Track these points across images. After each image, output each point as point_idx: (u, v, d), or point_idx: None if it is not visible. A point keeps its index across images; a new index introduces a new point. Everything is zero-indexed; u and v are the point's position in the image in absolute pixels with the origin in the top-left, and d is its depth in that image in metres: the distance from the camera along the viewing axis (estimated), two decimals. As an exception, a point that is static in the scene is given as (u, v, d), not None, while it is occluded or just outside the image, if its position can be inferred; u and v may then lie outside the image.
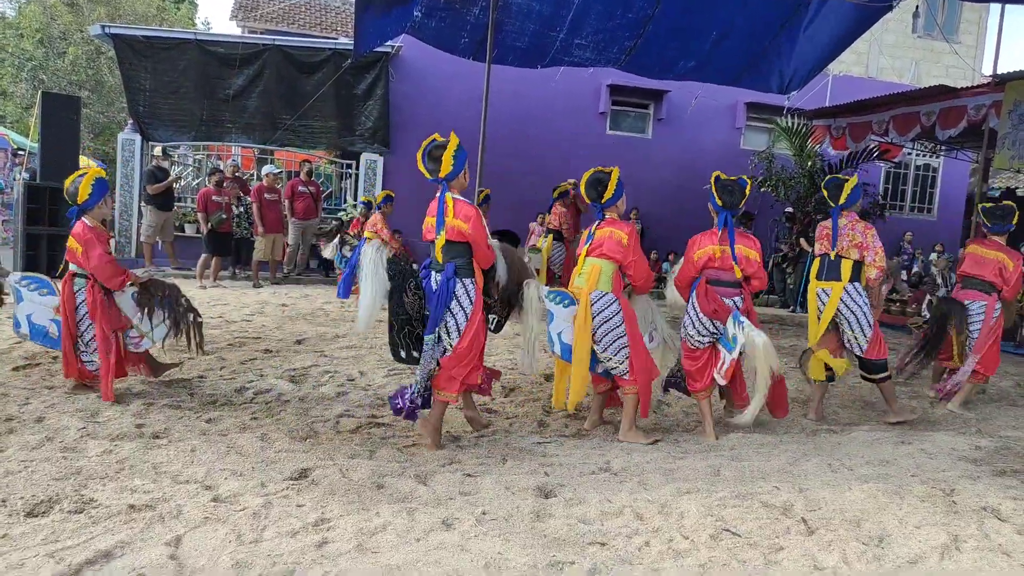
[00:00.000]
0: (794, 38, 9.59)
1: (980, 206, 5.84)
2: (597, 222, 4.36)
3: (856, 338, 4.92)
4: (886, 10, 9.04)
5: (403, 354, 3.93)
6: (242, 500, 2.97)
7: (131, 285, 4.64)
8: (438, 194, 3.91)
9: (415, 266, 4.08)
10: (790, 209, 12.64)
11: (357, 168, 13.13)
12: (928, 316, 5.65)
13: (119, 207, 12.23)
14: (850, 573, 2.58)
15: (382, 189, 12.92)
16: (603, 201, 4.30)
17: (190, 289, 9.43)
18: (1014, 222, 5.54)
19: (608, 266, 4.24)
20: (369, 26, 8.79)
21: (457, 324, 3.84)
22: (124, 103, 14.76)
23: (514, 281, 4.29)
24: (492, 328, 4.32)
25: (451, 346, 3.86)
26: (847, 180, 5.07)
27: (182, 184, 12.82)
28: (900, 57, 18.58)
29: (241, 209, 11.04)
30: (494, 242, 4.17)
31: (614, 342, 4.23)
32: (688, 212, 12.74)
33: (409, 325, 3.85)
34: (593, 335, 4.24)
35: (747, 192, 4.48)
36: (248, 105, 12.32)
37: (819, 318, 5.02)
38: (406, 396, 3.96)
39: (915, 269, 13.83)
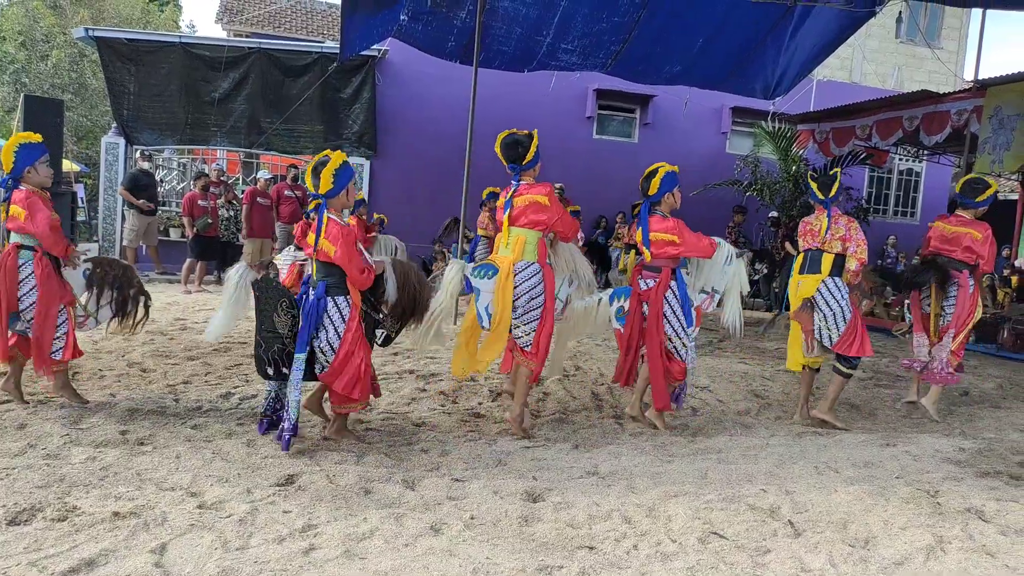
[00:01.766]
0: (779, 43, 9.66)
1: (962, 179, 5.56)
2: (513, 188, 4.32)
3: (828, 329, 4.92)
4: (870, 16, 9.13)
5: (270, 371, 3.90)
6: (228, 507, 2.94)
7: (85, 261, 4.40)
8: (314, 210, 3.89)
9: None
10: (775, 213, 12.73)
11: (343, 172, 13.09)
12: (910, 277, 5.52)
13: (103, 211, 12.14)
14: (836, 575, 2.60)
15: (364, 193, 12.91)
16: (523, 163, 4.27)
17: (175, 295, 9.39)
18: (983, 199, 5.29)
19: (533, 235, 4.24)
20: (355, 30, 8.78)
21: (330, 343, 3.82)
22: (108, 106, 14.65)
23: (409, 297, 4.19)
24: (379, 343, 4.25)
25: (327, 363, 3.84)
26: (837, 174, 5.15)
27: (166, 188, 12.75)
28: (883, 62, 18.78)
29: (231, 213, 10.98)
30: (384, 259, 4.14)
31: (529, 312, 4.24)
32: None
33: (280, 343, 3.85)
34: (513, 304, 4.23)
35: (658, 177, 4.57)
36: (233, 109, 12.26)
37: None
38: (287, 423, 3.80)
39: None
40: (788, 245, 11.36)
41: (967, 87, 10.36)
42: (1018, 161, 9.21)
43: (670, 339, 4.60)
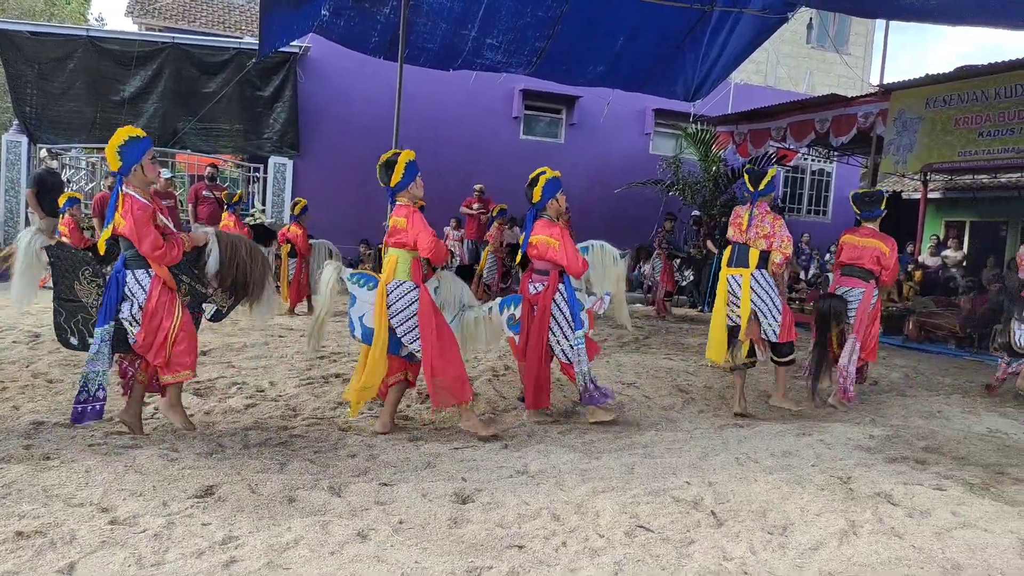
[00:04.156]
0: (698, 46, 9.95)
1: (852, 193, 5.98)
2: (391, 209, 4.36)
3: (770, 324, 5.14)
4: (782, 22, 9.50)
5: (74, 340, 3.87)
6: (142, 521, 2.81)
7: None
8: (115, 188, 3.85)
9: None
10: (697, 212, 13.08)
11: (265, 172, 12.76)
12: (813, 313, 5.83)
13: (4, 213, 11.47)
14: (756, 562, 2.68)
15: (287, 193, 12.61)
16: (392, 185, 4.26)
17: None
18: (883, 207, 5.68)
19: (404, 254, 4.27)
20: (275, 25, 8.57)
21: (133, 316, 3.82)
22: (8, 103, 13.85)
23: (239, 271, 4.17)
24: (209, 317, 4.31)
25: (135, 336, 3.86)
26: (768, 169, 5.34)
27: (74, 188, 12.12)
28: (796, 67, 19.54)
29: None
30: (207, 229, 4.14)
31: (409, 332, 4.26)
32: (599, 214, 13.03)
33: (84, 312, 3.83)
34: (391, 324, 4.25)
35: (540, 184, 4.66)
36: (146, 107, 11.80)
37: (729, 303, 5.22)
38: (88, 397, 3.85)
39: (812, 270, 14.53)
40: (710, 243, 11.71)
41: (873, 91, 10.88)
42: (920, 162, 9.74)
43: (557, 340, 4.69)
